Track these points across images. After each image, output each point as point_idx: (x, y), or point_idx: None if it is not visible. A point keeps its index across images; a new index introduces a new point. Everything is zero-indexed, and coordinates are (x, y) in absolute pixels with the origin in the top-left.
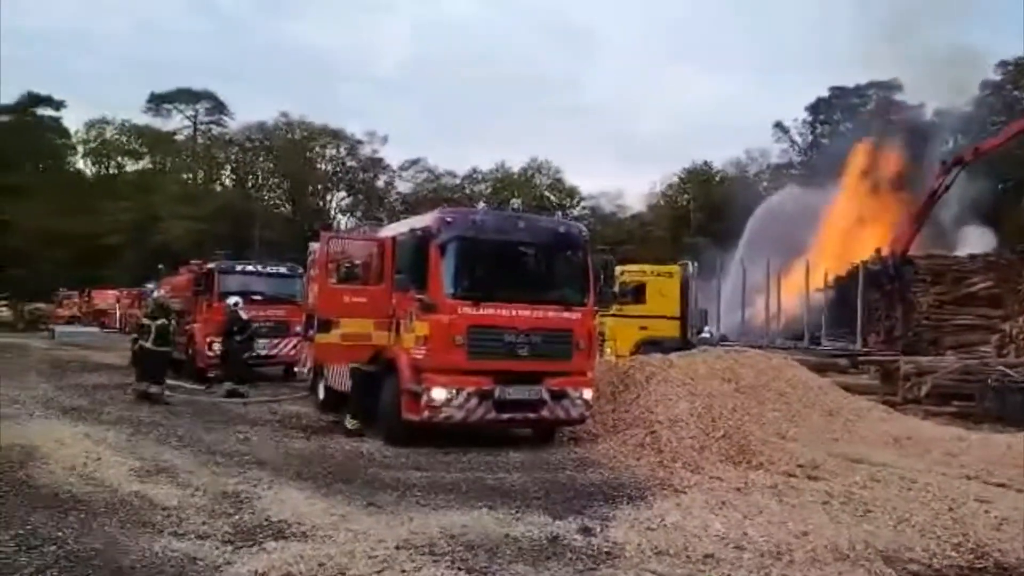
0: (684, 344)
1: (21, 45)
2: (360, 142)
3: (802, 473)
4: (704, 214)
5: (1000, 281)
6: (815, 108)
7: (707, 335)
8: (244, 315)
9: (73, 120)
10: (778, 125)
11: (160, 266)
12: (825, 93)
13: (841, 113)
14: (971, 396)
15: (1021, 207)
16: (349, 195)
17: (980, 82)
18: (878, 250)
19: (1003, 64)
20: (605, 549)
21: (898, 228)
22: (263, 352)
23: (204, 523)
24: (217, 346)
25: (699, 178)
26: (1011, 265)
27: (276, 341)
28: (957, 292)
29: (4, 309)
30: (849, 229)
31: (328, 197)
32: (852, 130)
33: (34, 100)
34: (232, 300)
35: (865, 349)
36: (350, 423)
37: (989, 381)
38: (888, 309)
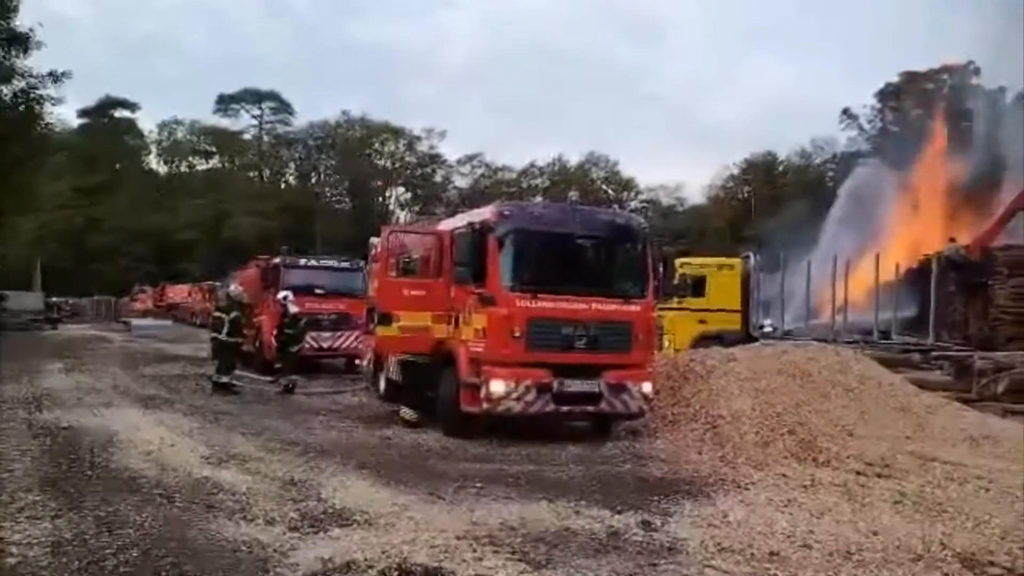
0: (746, 338)
1: (105, 51)
2: (418, 138)
3: (871, 471)
4: (767, 205)
5: None
6: (885, 94)
7: (770, 329)
8: (294, 308)
9: (147, 121)
10: (846, 112)
11: (228, 261)
12: (895, 78)
13: (913, 99)
14: None
15: None
16: (408, 190)
17: None
18: (952, 239)
19: None
20: (667, 544)
21: (982, 224)
22: (326, 344)
23: (272, 509)
24: None
25: (762, 168)
26: None
27: (338, 334)
28: None
29: None
30: (922, 219)
31: (387, 193)
32: (924, 116)
33: (111, 103)
34: (282, 294)
35: (938, 343)
36: (407, 414)
37: None
38: (963, 302)
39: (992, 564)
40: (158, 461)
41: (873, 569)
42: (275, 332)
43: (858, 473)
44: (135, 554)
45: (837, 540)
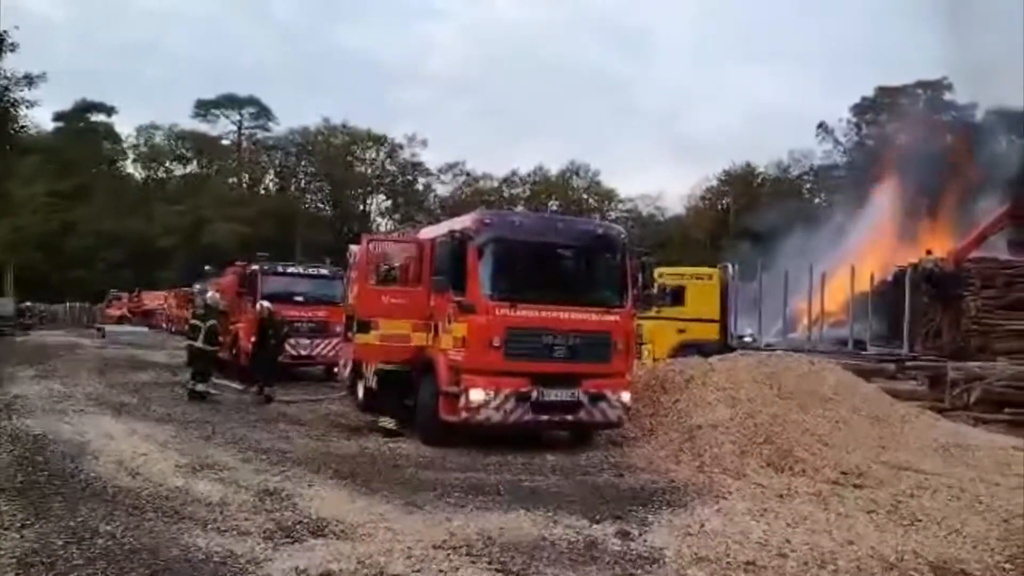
0: (724, 347)
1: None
2: (400, 146)
3: (846, 481)
4: (745, 216)
5: None
6: (860, 108)
7: (749, 339)
8: (275, 317)
9: (124, 126)
10: (821, 126)
11: (207, 267)
12: (871, 93)
13: (887, 114)
14: (1023, 403)
15: None
16: (388, 198)
17: None
18: (929, 252)
19: None
20: (644, 554)
21: (955, 238)
22: (304, 352)
23: (246, 519)
24: None
25: (740, 180)
26: None
27: (316, 342)
28: (1008, 296)
29: None
30: (895, 232)
31: (368, 200)
32: (899, 131)
33: (88, 107)
34: (264, 303)
35: (912, 354)
36: (386, 423)
37: None
38: (936, 313)
39: (964, 573)
40: (130, 470)
41: None
42: (254, 341)
43: (833, 483)
44: (104, 565)
45: (812, 549)
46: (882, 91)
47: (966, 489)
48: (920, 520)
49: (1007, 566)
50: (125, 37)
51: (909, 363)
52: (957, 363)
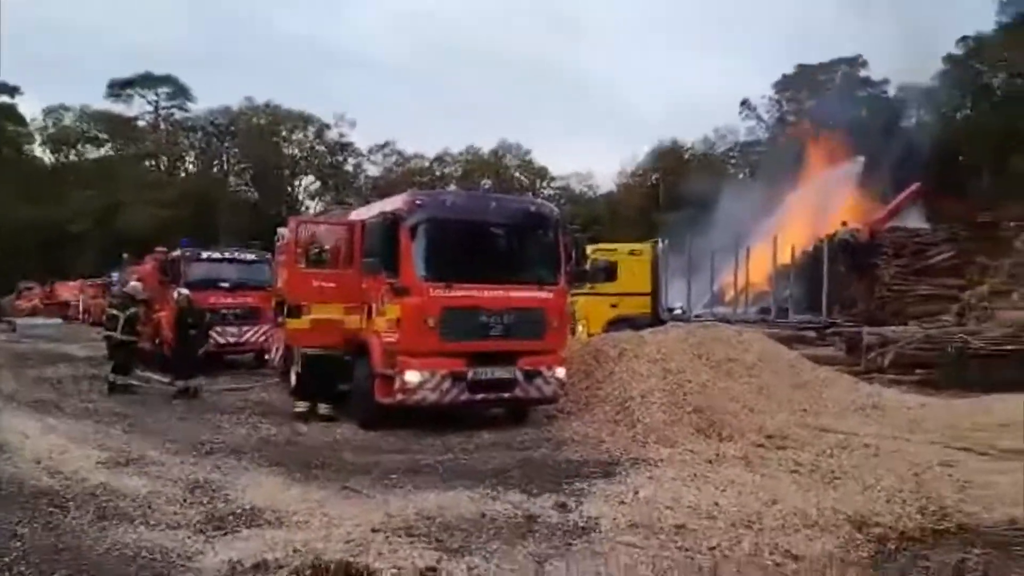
0: (656, 321)
1: None
2: (327, 126)
3: (771, 443)
4: (674, 193)
5: (959, 252)
6: (781, 85)
7: (679, 311)
8: (194, 306)
9: (31, 107)
10: (744, 103)
11: (123, 255)
12: (791, 70)
13: (807, 90)
14: (933, 364)
15: (981, 180)
16: (317, 179)
17: (943, 56)
18: (844, 223)
19: (964, 39)
20: (580, 524)
21: (873, 213)
22: (232, 340)
23: (176, 512)
24: None
25: (668, 156)
26: (969, 237)
27: (245, 328)
28: (918, 264)
29: None
30: (814, 204)
31: (296, 182)
32: (817, 107)
33: None
34: (182, 291)
35: (830, 321)
36: (322, 409)
37: (949, 349)
38: (853, 282)
39: (879, 525)
40: (49, 468)
41: (772, 535)
42: (174, 333)
43: (759, 446)
44: (24, 569)
45: (739, 510)
46: (801, 68)
47: (881, 447)
48: (839, 478)
49: (917, 516)
50: (26, 11)
51: (828, 330)
52: (872, 328)
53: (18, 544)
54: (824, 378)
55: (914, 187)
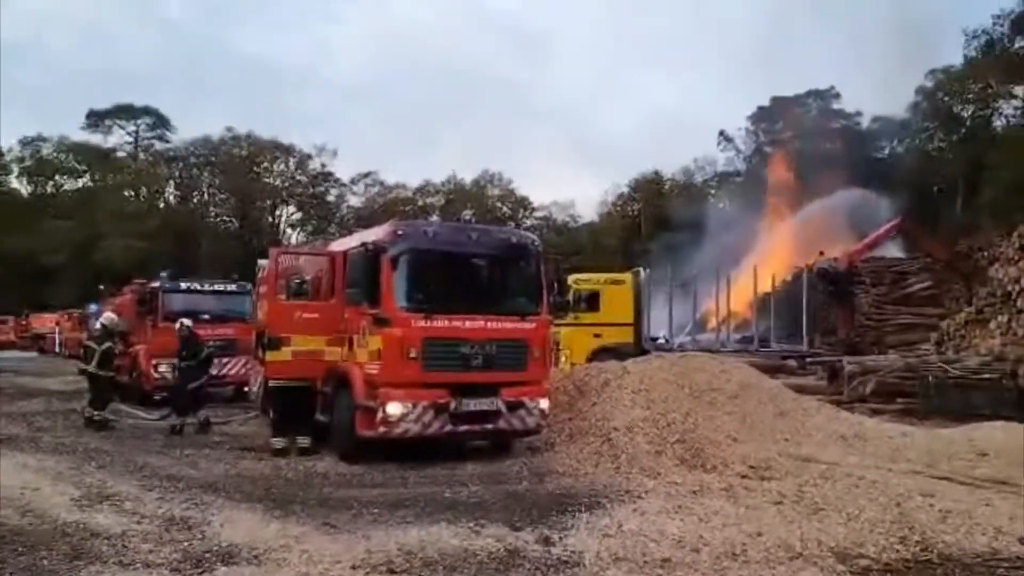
0: (639, 350)
1: None
2: (309, 156)
3: (755, 474)
4: (654, 222)
5: (937, 281)
6: (757, 117)
7: (662, 340)
8: (193, 337)
9: (6, 137)
10: (722, 134)
11: (101, 286)
12: (766, 102)
13: (783, 122)
14: (913, 393)
15: (955, 210)
16: (299, 210)
17: (915, 88)
18: (821, 253)
19: (932, 72)
20: (564, 558)
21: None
22: (212, 372)
23: (151, 551)
24: (164, 368)
25: (648, 187)
26: (946, 266)
27: (225, 361)
28: (896, 293)
29: None
30: (793, 234)
31: (277, 212)
32: (792, 138)
33: None
34: (184, 321)
35: (812, 350)
36: (302, 441)
37: (929, 378)
38: (832, 310)
39: (862, 556)
40: (20, 507)
41: (757, 568)
42: (174, 365)
43: (743, 476)
44: None
45: (724, 542)
46: (776, 100)
47: (863, 476)
48: (823, 508)
49: (899, 547)
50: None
51: (809, 359)
52: (853, 357)
53: None
54: (806, 408)
55: (895, 221)
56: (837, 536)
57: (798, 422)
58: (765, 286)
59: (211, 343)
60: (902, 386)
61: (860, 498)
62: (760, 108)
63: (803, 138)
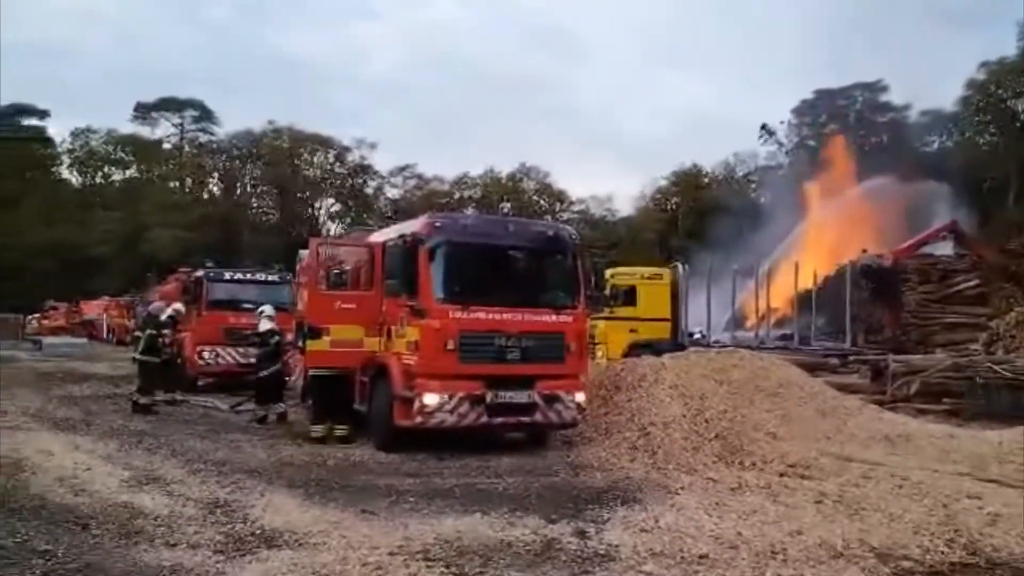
0: (675, 346)
1: (11, 58)
2: (348, 149)
3: (794, 472)
4: (693, 217)
5: (985, 279)
6: (800, 110)
7: (699, 336)
8: (266, 324)
9: (58, 130)
10: (764, 127)
11: (148, 275)
12: (810, 95)
13: (826, 115)
14: (960, 393)
15: (1006, 205)
16: (338, 201)
17: (965, 82)
18: (864, 250)
19: (985, 64)
20: (600, 552)
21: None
22: (252, 360)
23: (195, 532)
24: (207, 354)
25: (688, 181)
26: (995, 263)
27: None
28: (944, 291)
29: None
30: (836, 228)
31: (317, 204)
32: (837, 131)
33: (19, 110)
34: (267, 308)
35: (854, 348)
36: (340, 430)
37: (977, 378)
38: (877, 308)
39: (905, 558)
40: (73, 486)
41: (797, 567)
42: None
43: (782, 475)
44: None
45: (763, 540)
46: (821, 93)
47: (908, 477)
48: (865, 509)
49: (945, 549)
50: (51, 37)
51: (852, 357)
52: (898, 356)
53: (40, 561)
54: (848, 406)
55: (947, 223)
56: (880, 536)
57: (840, 421)
58: (806, 282)
59: (246, 331)
60: (948, 386)
61: (904, 499)
62: (803, 101)
63: (848, 131)
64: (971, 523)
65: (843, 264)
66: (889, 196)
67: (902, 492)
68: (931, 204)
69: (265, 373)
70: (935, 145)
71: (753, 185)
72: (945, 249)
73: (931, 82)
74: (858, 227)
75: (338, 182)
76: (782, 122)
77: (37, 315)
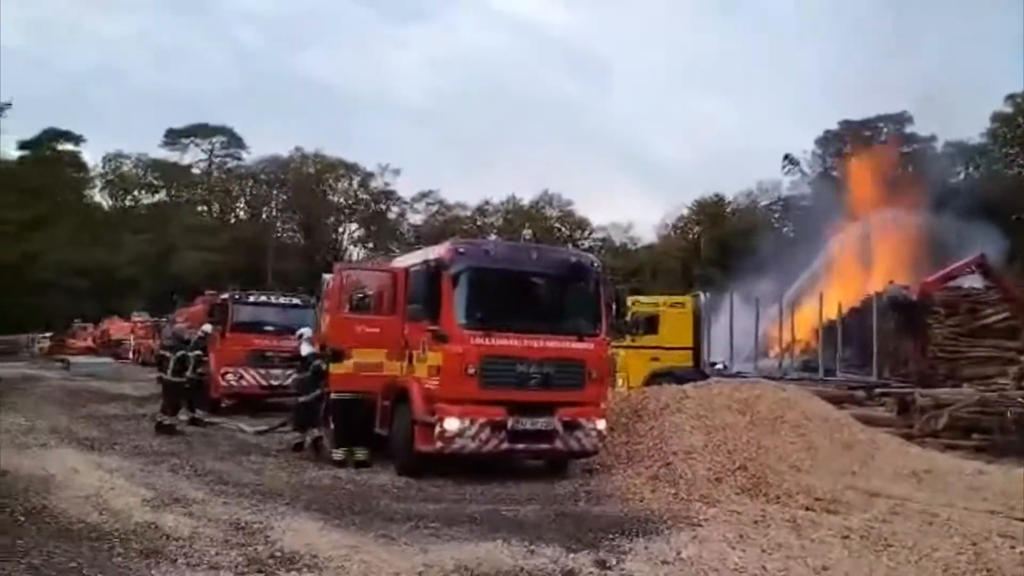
0: (698, 374)
1: (46, 81)
2: (372, 175)
3: (820, 507)
4: (715, 246)
5: (1015, 313)
6: (824, 141)
7: (721, 366)
8: (307, 349)
9: (91, 154)
10: (787, 157)
11: (175, 297)
12: (834, 126)
13: (851, 145)
14: (989, 429)
15: None
16: (361, 227)
17: (991, 114)
18: (891, 282)
19: (1012, 97)
20: None
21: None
22: (276, 383)
23: (217, 553)
24: (231, 376)
25: (710, 210)
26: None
27: (289, 372)
28: (972, 324)
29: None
30: (860, 259)
31: (341, 229)
32: (862, 162)
33: (54, 135)
34: (304, 330)
35: (881, 381)
36: (360, 454)
37: (1008, 414)
38: (903, 341)
39: None
40: (97, 505)
41: None
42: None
43: (807, 508)
44: None
45: (787, 575)
46: (845, 124)
47: (936, 514)
48: (892, 545)
49: None
50: (86, 64)
51: (878, 390)
52: (925, 390)
53: None
54: (875, 440)
55: (975, 256)
56: (908, 574)
57: (866, 455)
58: (831, 313)
59: (277, 354)
60: (977, 421)
61: (932, 536)
62: (827, 132)
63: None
64: (1003, 562)
65: (869, 295)
66: (914, 228)
67: (931, 529)
68: (958, 237)
69: (306, 398)
70: (961, 176)
71: (776, 215)
72: (973, 282)
73: (955, 114)
74: (883, 259)
75: (362, 207)
76: (805, 151)
77: (48, 334)
